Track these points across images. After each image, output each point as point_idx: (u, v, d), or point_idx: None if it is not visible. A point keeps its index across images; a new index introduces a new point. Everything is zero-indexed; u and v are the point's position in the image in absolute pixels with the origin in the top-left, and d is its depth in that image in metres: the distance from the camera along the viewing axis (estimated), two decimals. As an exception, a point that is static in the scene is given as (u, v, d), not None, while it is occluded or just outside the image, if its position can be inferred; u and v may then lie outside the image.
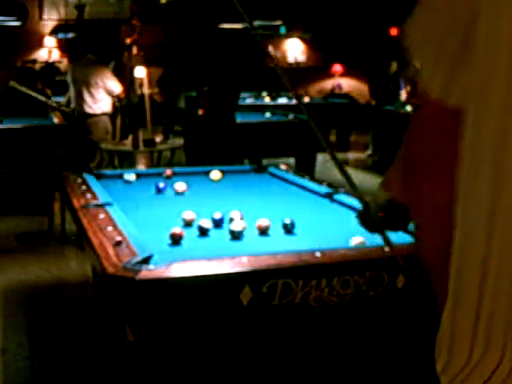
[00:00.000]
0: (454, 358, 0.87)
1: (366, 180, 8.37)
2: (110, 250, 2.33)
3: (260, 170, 4.29)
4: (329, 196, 3.40)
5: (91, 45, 7.29)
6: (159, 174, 4.09)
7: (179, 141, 6.88)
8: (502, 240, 0.80)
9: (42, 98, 7.56)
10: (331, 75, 13.48)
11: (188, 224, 2.85)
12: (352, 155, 10.61)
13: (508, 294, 0.79)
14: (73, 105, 7.23)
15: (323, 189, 3.52)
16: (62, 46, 10.04)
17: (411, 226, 0.99)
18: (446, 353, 0.88)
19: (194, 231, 2.77)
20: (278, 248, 2.45)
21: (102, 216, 2.86)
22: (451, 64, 0.91)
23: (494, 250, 0.81)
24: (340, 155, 10.57)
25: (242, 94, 7.60)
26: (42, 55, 12.13)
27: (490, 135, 0.83)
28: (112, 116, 7.39)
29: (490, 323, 0.81)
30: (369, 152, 10.65)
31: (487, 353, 0.82)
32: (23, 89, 7.53)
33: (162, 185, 3.66)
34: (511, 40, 0.81)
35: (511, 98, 0.81)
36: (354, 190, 1.71)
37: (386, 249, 2.35)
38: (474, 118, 0.86)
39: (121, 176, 4.03)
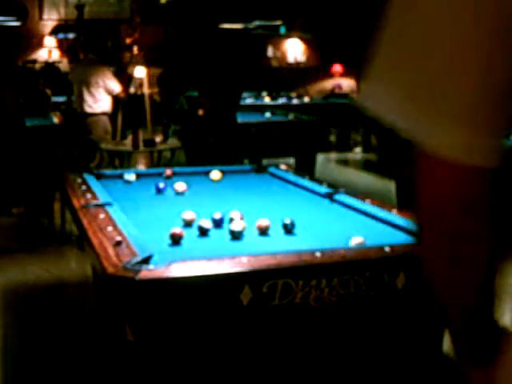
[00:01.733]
0: None
1: (365, 180, 8.38)
2: (110, 250, 2.33)
3: (260, 169, 4.28)
4: (329, 196, 3.40)
5: (91, 45, 7.29)
6: (159, 174, 4.09)
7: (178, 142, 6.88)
8: None
9: None
10: (331, 75, 13.48)
11: (188, 224, 2.84)
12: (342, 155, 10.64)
13: None
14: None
15: (323, 189, 3.52)
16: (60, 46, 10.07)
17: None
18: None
19: (194, 231, 2.77)
20: (278, 248, 2.45)
21: (102, 216, 2.85)
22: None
23: None
24: (340, 155, 10.59)
25: (242, 94, 7.60)
26: (41, 55, 12.14)
27: None
28: (112, 116, 7.39)
29: None
30: (357, 150, 10.78)
31: None
32: None
33: (161, 185, 3.66)
34: None
35: None
36: None
37: (386, 249, 2.36)
38: None
39: (121, 176, 4.02)
